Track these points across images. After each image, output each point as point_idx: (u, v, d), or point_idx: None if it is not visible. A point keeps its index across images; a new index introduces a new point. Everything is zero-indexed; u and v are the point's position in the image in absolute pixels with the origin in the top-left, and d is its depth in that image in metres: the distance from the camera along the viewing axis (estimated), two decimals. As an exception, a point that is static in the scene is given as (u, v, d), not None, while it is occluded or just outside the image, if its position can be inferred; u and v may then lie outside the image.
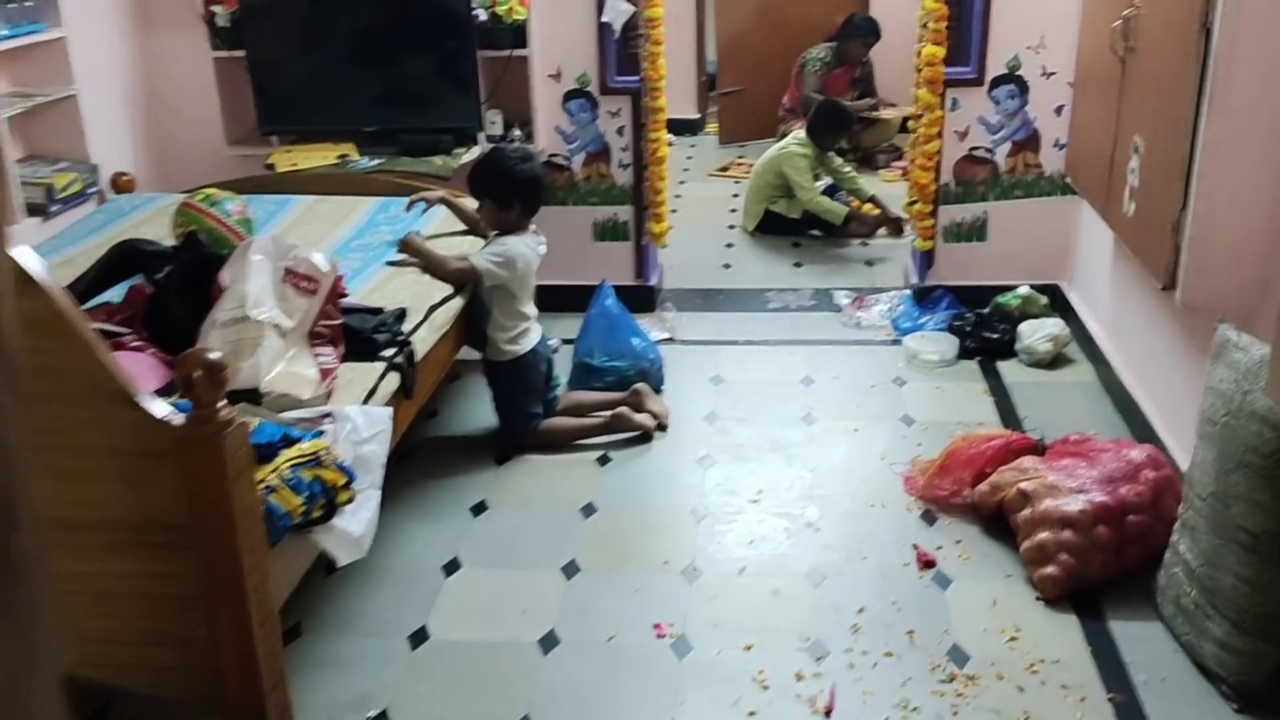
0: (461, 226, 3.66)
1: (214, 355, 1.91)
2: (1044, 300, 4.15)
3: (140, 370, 2.61)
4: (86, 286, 3.06)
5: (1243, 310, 2.59)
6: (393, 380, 2.80)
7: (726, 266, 5.09)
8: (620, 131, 4.37)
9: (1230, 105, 2.47)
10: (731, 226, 5.61)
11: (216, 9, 4.28)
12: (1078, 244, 4.17)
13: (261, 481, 2.10)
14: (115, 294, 3.05)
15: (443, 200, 3.64)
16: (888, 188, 6.11)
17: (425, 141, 4.26)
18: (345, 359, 2.75)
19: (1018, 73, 4.12)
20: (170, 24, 4.36)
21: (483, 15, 4.20)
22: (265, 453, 2.15)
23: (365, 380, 2.71)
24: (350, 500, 2.31)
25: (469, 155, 4.26)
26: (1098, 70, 3.51)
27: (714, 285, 4.83)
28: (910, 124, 6.36)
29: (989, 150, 4.24)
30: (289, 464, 2.16)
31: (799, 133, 5.49)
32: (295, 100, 4.38)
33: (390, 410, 2.57)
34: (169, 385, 2.62)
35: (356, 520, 2.31)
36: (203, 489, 1.95)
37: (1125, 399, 3.54)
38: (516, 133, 4.40)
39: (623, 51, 4.35)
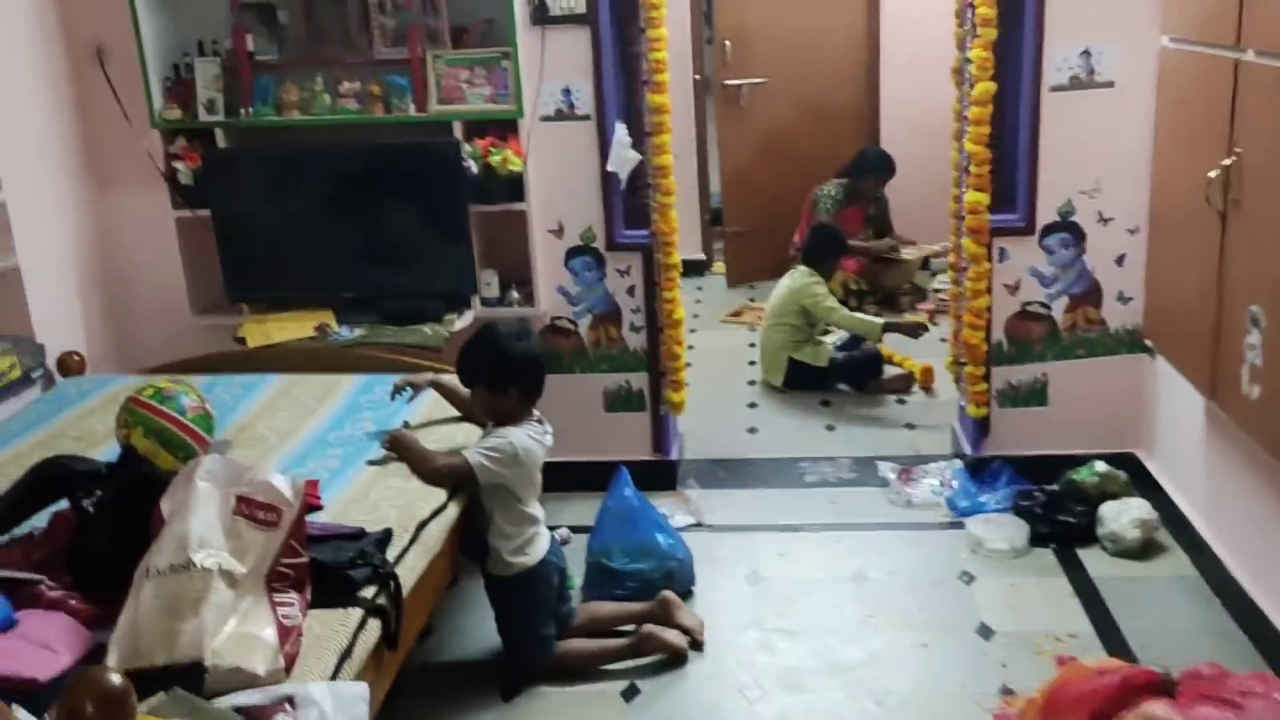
0: (455, 413, 3.18)
1: (115, 680, 1.38)
2: (1124, 477, 3.63)
3: (52, 638, 2.08)
4: (6, 511, 2.54)
5: None
6: (373, 630, 2.26)
7: (752, 431, 4.58)
8: (630, 291, 3.92)
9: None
10: (751, 382, 5.13)
11: (179, 165, 3.86)
12: (1156, 408, 3.68)
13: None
14: (43, 519, 2.53)
15: (432, 384, 3.16)
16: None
17: (412, 307, 3.80)
18: (312, 605, 2.22)
19: (1071, 219, 3.70)
20: (126, 182, 3.93)
21: (474, 167, 3.78)
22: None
23: (338, 636, 2.17)
24: (314, 829, 1.76)
25: (462, 321, 3.80)
26: (1185, 223, 3.07)
27: (740, 454, 4.31)
28: (933, 262, 6.02)
29: (1044, 305, 3.79)
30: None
31: (799, 268, 5.09)
32: (267, 263, 3.91)
33: (366, 687, 2.03)
34: (94, 651, 2.10)
35: None
36: None
37: (1238, 599, 3.00)
38: (514, 294, 3.95)
39: (629, 203, 3.94)
